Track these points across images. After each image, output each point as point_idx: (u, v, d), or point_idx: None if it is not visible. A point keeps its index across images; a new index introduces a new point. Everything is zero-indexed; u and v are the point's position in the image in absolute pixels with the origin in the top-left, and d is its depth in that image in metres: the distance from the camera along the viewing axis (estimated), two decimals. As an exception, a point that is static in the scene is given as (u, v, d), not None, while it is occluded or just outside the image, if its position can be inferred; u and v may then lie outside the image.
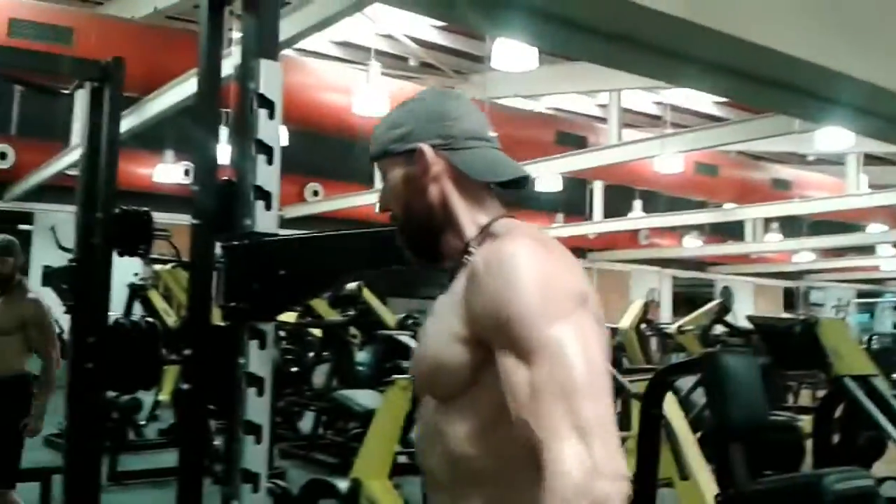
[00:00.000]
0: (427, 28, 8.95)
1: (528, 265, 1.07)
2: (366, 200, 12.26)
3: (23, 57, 3.12)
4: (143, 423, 6.63)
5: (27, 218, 11.34)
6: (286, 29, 5.56)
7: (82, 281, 3.05)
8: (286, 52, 6.82)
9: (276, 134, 2.02)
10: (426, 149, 1.23)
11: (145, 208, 3.05)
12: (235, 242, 1.97)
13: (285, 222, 12.40)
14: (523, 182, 1.27)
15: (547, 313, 1.03)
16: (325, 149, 11.89)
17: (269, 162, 1.99)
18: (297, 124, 8.28)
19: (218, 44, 2.26)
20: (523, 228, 1.20)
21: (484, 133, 1.26)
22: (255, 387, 1.92)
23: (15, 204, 11.07)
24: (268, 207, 1.98)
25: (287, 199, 12.06)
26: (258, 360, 1.94)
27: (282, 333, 7.23)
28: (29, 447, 4.13)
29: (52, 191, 10.02)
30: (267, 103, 2.01)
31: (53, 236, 7.24)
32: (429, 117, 1.25)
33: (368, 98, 7.73)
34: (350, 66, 8.93)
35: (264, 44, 2.05)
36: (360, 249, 1.62)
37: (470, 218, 1.23)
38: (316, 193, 12.78)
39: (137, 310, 6.76)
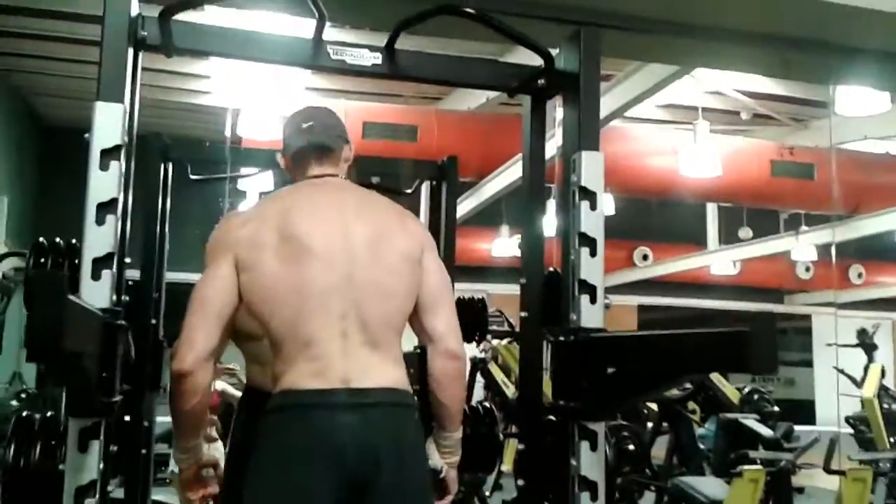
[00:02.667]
0: (758, 79, 8.45)
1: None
2: (697, 263, 11.75)
3: (370, 163, 3.49)
4: (487, 493, 6.83)
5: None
6: (611, 102, 5.59)
7: (420, 367, 3.23)
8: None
9: (600, 225, 1.97)
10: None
11: (481, 296, 3.17)
12: (562, 338, 1.94)
13: (616, 288, 12.29)
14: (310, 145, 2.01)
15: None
16: (652, 212, 11.68)
17: (593, 254, 1.94)
18: (623, 191, 8.22)
19: (541, 137, 2.29)
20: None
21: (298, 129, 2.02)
22: (587, 490, 1.84)
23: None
24: (593, 301, 1.92)
25: (616, 264, 11.99)
26: (590, 463, 1.86)
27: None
28: None
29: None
30: (589, 195, 1.97)
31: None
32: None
33: (696, 158, 7.45)
34: (676, 128, 8.71)
35: (585, 135, 2.03)
36: (699, 351, 1.47)
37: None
38: (645, 258, 12.55)
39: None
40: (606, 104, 5.71)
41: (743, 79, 8.28)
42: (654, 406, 6.93)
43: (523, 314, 2.21)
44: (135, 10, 1.83)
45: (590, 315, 1.92)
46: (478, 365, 7.22)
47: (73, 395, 1.48)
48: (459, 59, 2.20)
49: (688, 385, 6.68)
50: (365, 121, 7.02)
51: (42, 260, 1.87)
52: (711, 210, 11.93)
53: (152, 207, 2.88)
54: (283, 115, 6.47)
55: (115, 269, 1.63)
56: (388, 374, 1.75)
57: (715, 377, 6.71)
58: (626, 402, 2.12)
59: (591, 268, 1.94)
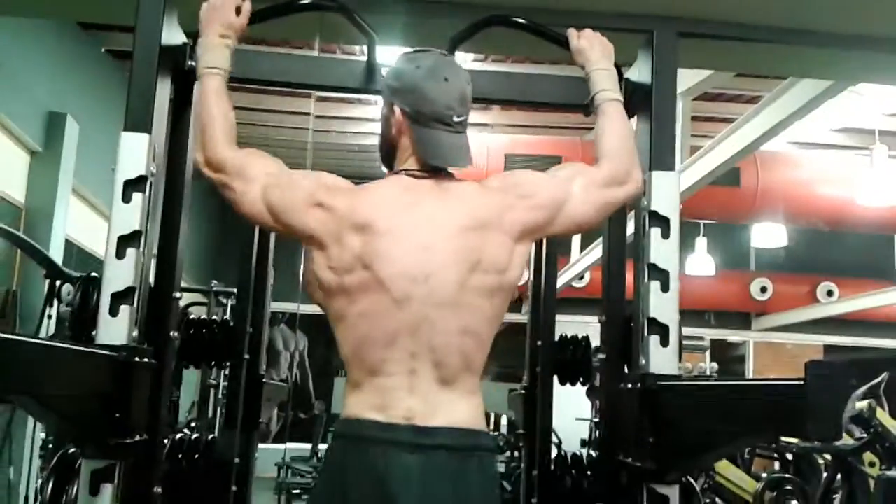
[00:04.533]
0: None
1: None
2: (887, 300, 10.63)
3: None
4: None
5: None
6: (762, 123, 5.15)
7: (529, 407, 3.02)
8: (775, 146, 6.37)
9: (673, 256, 1.72)
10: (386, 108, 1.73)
11: (585, 334, 2.93)
12: (629, 385, 1.69)
13: (798, 326, 11.40)
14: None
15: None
16: (837, 244, 10.73)
17: (665, 289, 1.69)
18: (792, 221, 7.57)
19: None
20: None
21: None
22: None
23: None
24: (664, 343, 1.67)
25: (797, 300, 11.10)
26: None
27: (788, 456, 6.45)
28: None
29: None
30: (661, 221, 1.73)
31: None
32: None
33: (873, 186, 6.73)
34: (853, 153, 7.95)
35: (658, 154, 1.79)
36: (753, 408, 1.19)
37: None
38: (830, 294, 11.50)
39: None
40: (757, 126, 5.27)
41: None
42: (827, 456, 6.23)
43: (601, 356, 1.98)
44: (177, 39, 1.81)
45: (661, 359, 1.66)
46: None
47: (78, 436, 1.44)
48: (525, 76, 2.02)
49: (863, 434, 5.94)
50: (507, 153, 6.91)
51: (91, 289, 1.87)
52: (901, 241, 10.79)
53: (248, 242, 2.88)
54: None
55: (136, 304, 1.58)
56: (461, 413, 1.56)
57: (890, 423, 5.92)
58: (702, 463, 1.82)
59: (662, 304, 1.69)
